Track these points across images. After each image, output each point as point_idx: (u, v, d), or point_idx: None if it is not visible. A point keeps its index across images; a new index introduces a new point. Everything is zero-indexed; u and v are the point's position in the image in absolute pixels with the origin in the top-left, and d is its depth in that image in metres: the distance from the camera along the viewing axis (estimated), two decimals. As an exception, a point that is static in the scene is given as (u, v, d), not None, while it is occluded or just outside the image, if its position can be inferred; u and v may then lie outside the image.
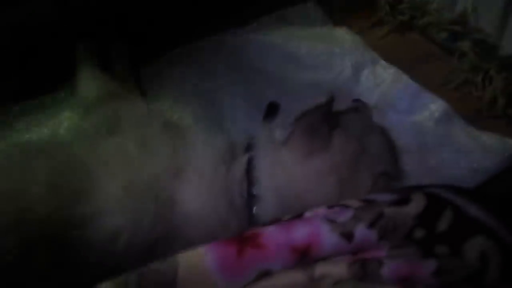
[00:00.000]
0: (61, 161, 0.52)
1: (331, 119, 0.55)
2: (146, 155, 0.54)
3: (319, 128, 0.54)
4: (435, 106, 0.69)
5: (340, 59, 0.80)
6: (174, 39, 0.84)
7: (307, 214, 0.46)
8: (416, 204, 0.43)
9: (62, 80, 0.75)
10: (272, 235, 0.43)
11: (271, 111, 0.72)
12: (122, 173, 0.52)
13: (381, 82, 0.74)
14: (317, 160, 0.53)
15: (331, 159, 0.53)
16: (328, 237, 0.42)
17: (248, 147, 0.56)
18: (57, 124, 0.70)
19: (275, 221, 0.46)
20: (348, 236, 0.42)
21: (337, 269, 0.41)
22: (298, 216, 0.46)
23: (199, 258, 0.42)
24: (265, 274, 0.42)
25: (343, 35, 0.84)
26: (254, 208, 0.51)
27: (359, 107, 0.63)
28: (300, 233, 0.43)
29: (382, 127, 0.61)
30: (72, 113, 0.71)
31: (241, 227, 0.50)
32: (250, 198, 0.52)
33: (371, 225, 0.43)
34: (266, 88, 0.79)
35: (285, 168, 0.53)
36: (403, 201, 0.44)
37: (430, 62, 0.77)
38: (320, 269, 0.42)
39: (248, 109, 0.75)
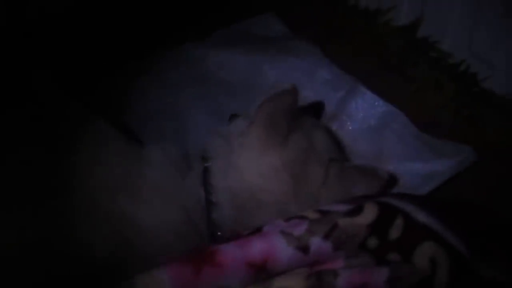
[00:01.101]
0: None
1: (292, 113, 0.56)
2: (100, 175, 0.53)
3: (279, 121, 0.55)
4: (390, 114, 0.71)
5: (300, 70, 0.81)
6: (132, 51, 0.84)
7: (265, 228, 0.47)
8: (369, 214, 0.45)
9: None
10: (228, 252, 0.43)
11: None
12: (74, 194, 0.51)
13: (339, 91, 0.76)
14: (272, 157, 0.54)
15: (287, 155, 0.54)
16: (284, 251, 0.43)
17: (204, 156, 0.56)
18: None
19: (234, 237, 0.46)
20: (304, 249, 0.43)
21: (295, 282, 0.42)
22: (257, 230, 0.47)
23: (156, 279, 0.42)
24: (223, 291, 0.42)
25: (302, 46, 0.85)
26: (213, 214, 0.52)
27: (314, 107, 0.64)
28: (256, 248, 0.43)
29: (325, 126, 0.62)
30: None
31: (200, 237, 0.51)
32: (209, 206, 0.52)
33: (326, 236, 0.43)
34: (229, 100, 0.79)
35: (239, 168, 0.54)
36: (356, 211, 0.45)
37: (384, 72, 0.79)
38: (278, 283, 0.42)
39: (210, 122, 0.75)
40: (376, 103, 0.72)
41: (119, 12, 0.84)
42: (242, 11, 0.93)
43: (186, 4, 0.89)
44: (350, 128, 0.73)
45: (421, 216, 0.45)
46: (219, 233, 0.52)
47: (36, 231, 0.48)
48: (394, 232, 0.44)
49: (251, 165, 0.54)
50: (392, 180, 0.57)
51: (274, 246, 0.43)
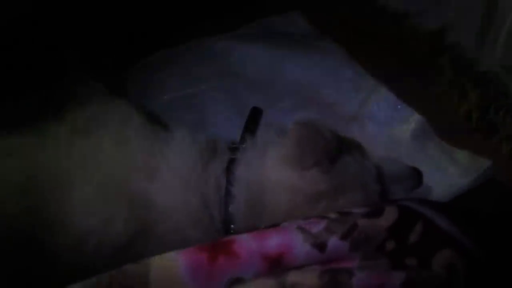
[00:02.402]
0: (34, 162, 0.51)
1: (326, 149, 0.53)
2: (121, 156, 0.54)
3: (311, 148, 0.52)
4: (412, 119, 0.70)
5: (322, 68, 0.81)
6: (157, 42, 0.84)
7: (283, 223, 0.47)
8: (389, 216, 0.44)
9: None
10: (245, 243, 0.43)
11: (254, 116, 0.73)
12: (96, 174, 0.52)
13: (360, 92, 0.75)
14: (295, 177, 0.51)
15: (321, 183, 0.51)
16: (300, 247, 0.43)
17: (232, 149, 0.56)
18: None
19: (250, 230, 0.46)
20: (320, 246, 0.43)
21: (309, 278, 0.41)
22: (274, 225, 0.47)
23: (171, 263, 0.42)
24: (237, 281, 0.42)
25: (327, 45, 0.85)
26: (230, 207, 0.52)
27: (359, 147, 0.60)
28: (273, 242, 0.43)
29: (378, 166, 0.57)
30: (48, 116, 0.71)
31: (214, 227, 0.51)
32: (227, 197, 0.52)
33: (344, 236, 0.43)
34: (249, 95, 0.80)
35: (263, 171, 0.53)
36: (376, 213, 0.45)
37: (408, 75, 0.78)
38: (292, 278, 0.42)
39: (230, 115, 0.76)
40: (399, 107, 0.71)
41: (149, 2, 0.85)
42: (269, 9, 0.93)
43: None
44: (370, 130, 0.72)
45: (441, 222, 0.44)
46: (232, 226, 0.52)
47: (51, 209, 0.49)
48: (413, 237, 0.43)
49: (273, 175, 0.52)
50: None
51: (291, 241, 0.43)
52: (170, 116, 0.74)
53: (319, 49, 0.84)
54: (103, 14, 0.80)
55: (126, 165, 0.53)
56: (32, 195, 0.48)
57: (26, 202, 0.48)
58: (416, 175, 0.57)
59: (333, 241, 0.43)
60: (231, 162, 0.54)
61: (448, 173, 0.65)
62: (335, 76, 0.78)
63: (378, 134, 0.71)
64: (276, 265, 0.42)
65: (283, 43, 0.86)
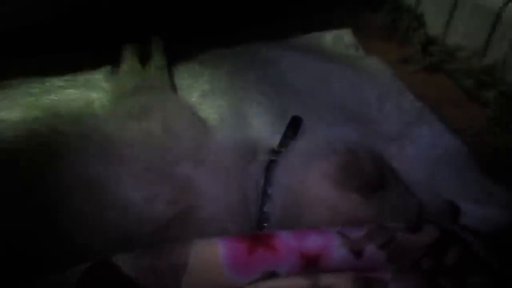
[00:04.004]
0: (90, 129, 0.55)
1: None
2: (170, 141, 0.56)
3: (353, 173, 0.52)
4: (454, 148, 0.70)
5: (367, 86, 0.82)
6: (210, 40, 0.87)
7: (324, 226, 0.48)
8: (429, 234, 0.44)
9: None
10: (284, 239, 0.44)
11: (294, 124, 0.74)
12: (145, 155, 0.54)
13: (404, 114, 0.76)
14: (332, 197, 0.51)
15: (360, 208, 0.51)
16: (337, 251, 0.43)
17: (272, 152, 0.57)
18: (88, 101, 0.73)
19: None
20: (357, 252, 0.43)
21: (342, 282, 0.42)
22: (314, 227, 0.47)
23: (211, 248, 0.43)
24: (271, 275, 0.43)
25: (374, 64, 0.86)
26: (266, 206, 0.53)
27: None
28: (312, 242, 0.44)
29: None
30: (104, 95, 0.74)
31: (250, 222, 0.52)
32: (264, 196, 0.53)
33: (382, 246, 0.44)
34: (292, 103, 0.81)
35: (302, 180, 0.54)
36: (415, 229, 0.45)
37: (453, 106, 0.79)
38: (325, 280, 0.43)
39: (271, 120, 0.77)
40: (444, 134, 0.71)
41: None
42: (320, 24, 0.95)
43: (268, 5, 0.92)
44: (409, 153, 0.72)
45: (480, 249, 0.44)
46: (265, 225, 0.53)
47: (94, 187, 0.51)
48: (451, 258, 0.44)
49: (315, 188, 0.53)
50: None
51: (329, 243, 0.44)
52: (216, 109, 0.76)
53: (366, 67, 0.85)
54: (142, 13, 0.84)
55: (174, 152, 0.55)
56: (84, 155, 0.51)
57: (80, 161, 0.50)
58: (454, 212, 0.57)
59: (370, 249, 0.43)
60: (271, 163, 0.56)
61: (486, 208, 0.64)
62: (380, 95, 0.79)
63: (417, 158, 0.71)
64: (312, 264, 0.43)
65: (331, 58, 0.88)
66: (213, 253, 0.43)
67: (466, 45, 0.85)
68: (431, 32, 0.90)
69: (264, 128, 0.76)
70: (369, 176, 0.52)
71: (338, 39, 0.94)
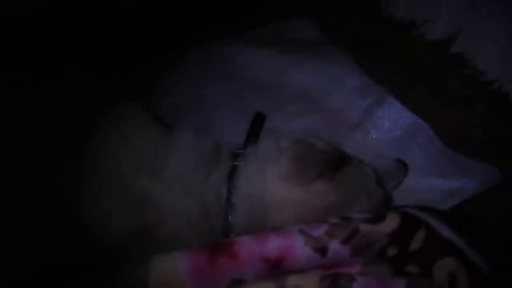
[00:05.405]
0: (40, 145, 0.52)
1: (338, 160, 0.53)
2: (125, 154, 0.54)
3: (309, 165, 0.52)
4: (416, 127, 0.70)
5: (328, 74, 0.81)
6: (166, 46, 0.85)
7: (285, 226, 0.47)
8: (391, 222, 0.44)
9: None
10: (245, 245, 0.43)
11: (258, 121, 0.73)
12: (100, 170, 0.52)
13: (366, 100, 0.75)
14: (293, 192, 0.51)
15: (329, 195, 0.51)
16: (301, 250, 0.43)
17: (235, 155, 0.56)
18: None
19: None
20: (321, 250, 0.43)
21: (309, 282, 0.41)
22: (275, 228, 0.47)
23: (172, 263, 0.42)
24: (237, 283, 0.42)
25: (334, 52, 0.85)
26: (230, 216, 0.51)
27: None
28: (273, 244, 0.43)
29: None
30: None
31: (214, 233, 0.51)
32: (227, 206, 0.52)
33: (345, 241, 0.43)
34: (254, 98, 0.80)
35: (265, 183, 0.53)
36: (378, 219, 0.45)
37: (413, 84, 0.79)
38: (292, 281, 0.42)
39: (235, 118, 0.76)
40: (403, 114, 0.71)
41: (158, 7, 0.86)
42: (277, 15, 0.93)
43: (223, 3, 0.90)
44: (374, 137, 0.72)
45: (444, 230, 0.44)
46: (232, 235, 0.51)
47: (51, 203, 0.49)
48: (415, 244, 0.43)
49: (278, 193, 0.52)
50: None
51: (292, 244, 0.43)
52: (175, 118, 0.74)
53: (325, 55, 0.84)
54: (110, 18, 0.81)
55: (129, 164, 0.53)
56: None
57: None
58: (403, 167, 0.62)
59: (334, 245, 0.43)
60: (233, 170, 0.54)
61: (452, 179, 0.65)
62: (341, 82, 0.78)
63: (382, 141, 0.71)
64: (276, 267, 0.42)
65: (290, 49, 0.87)
66: (173, 268, 0.41)
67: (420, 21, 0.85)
68: (386, 12, 0.90)
69: (227, 128, 0.75)
70: (327, 154, 0.52)
71: (297, 27, 0.93)
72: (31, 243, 0.47)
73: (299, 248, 0.43)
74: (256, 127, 0.71)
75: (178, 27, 0.87)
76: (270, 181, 0.52)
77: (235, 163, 0.55)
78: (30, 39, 0.71)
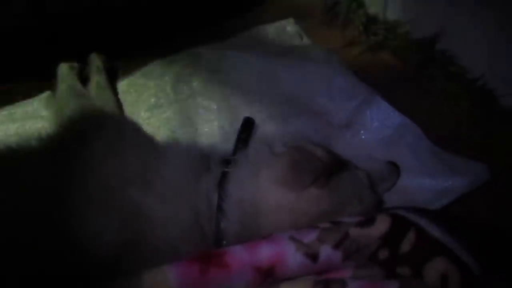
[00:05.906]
0: (29, 167, 0.52)
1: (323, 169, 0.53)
2: (115, 166, 0.54)
3: (304, 171, 0.52)
4: (404, 126, 0.70)
5: (314, 76, 0.81)
6: (150, 51, 0.84)
7: (275, 234, 0.46)
8: (381, 225, 0.44)
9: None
10: (236, 254, 0.43)
11: (246, 126, 0.73)
12: (90, 183, 0.52)
13: (353, 100, 0.75)
14: (286, 198, 0.51)
15: (321, 200, 0.51)
16: (292, 257, 0.43)
17: (225, 162, 0.55)
18: (27, 132, 0.69)
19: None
20: (313, 256, 0.43)
21: (302, 288, 0.41)
22: (266, 236, 0.46)
23: (163, 276, 0.42)
24: (230, 293, 0.42)
25: (319, 53, 0.85)
26: (222, 223, 0.51)
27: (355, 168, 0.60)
28: (264, 253, 0.43)
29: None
30: (46, 125, 0.71)
31: (206, 242, 0.50)
32: (219, 213, 0.52)
33: (336, 246, 0.43)
34: (242, 103, 0.79)
35: (256, 189, 0.52)
36: (368, 222, 0.45)
37: (401, 84, 0.79)
38: (285, 289, 0.42)
39: (222, 124, 0.75)
40: (391, 114, 0.71)
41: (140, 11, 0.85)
42: (263, 18, 0.93)
43: (205, 7, 0.90)
44: (363, 137, 0.72)
45: (434, 231, 0.44)
46: (224, 242, 0.51)
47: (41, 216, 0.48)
48: (406, 246, 0.43)
49: (271, 197, 0.51)
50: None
51: (283, 251, 0.43)
52: (164, 123, 0.74)
53: (311, 57, 0.84)
54: (93, 23, 0.81)
55: (119, 176, 0.53)
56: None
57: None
58: (395, 170, 0.62)
59: (326, 251, 0.43)
60: (223, 177, 0.54)
61: (441, 179, 0.65)
62: (328, 84, 0.78)
63: (372, 141, 0.71)
64: (269, 275, 0.42)
65: (275, 51, 0.87)
66: (165, 281, 0.41)
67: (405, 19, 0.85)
68: (371, 11, 0.90)
69: (216, 134, 0.74)
70: (325, 162, 0.52)
71: (281, 30, 0.92)
72: (21, 257, 0.46)
73: (290, 255, 0.43)
74: (245, 132, 0.71)
75: (161, 32, 0.86)
76: (263, 185, 0.52)
77: (225, 169, 0.55)
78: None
